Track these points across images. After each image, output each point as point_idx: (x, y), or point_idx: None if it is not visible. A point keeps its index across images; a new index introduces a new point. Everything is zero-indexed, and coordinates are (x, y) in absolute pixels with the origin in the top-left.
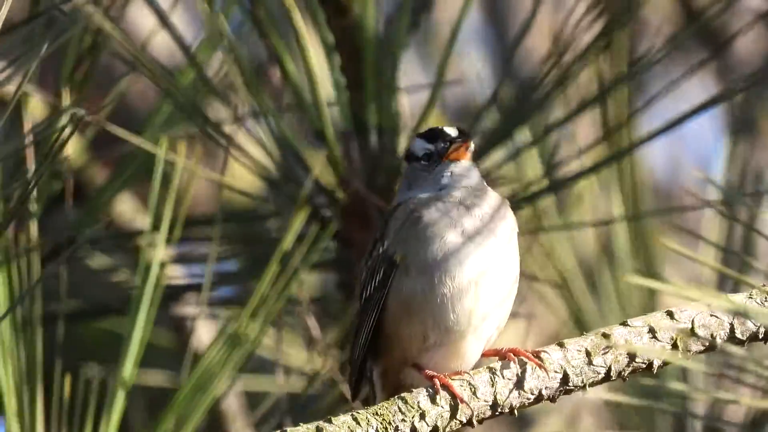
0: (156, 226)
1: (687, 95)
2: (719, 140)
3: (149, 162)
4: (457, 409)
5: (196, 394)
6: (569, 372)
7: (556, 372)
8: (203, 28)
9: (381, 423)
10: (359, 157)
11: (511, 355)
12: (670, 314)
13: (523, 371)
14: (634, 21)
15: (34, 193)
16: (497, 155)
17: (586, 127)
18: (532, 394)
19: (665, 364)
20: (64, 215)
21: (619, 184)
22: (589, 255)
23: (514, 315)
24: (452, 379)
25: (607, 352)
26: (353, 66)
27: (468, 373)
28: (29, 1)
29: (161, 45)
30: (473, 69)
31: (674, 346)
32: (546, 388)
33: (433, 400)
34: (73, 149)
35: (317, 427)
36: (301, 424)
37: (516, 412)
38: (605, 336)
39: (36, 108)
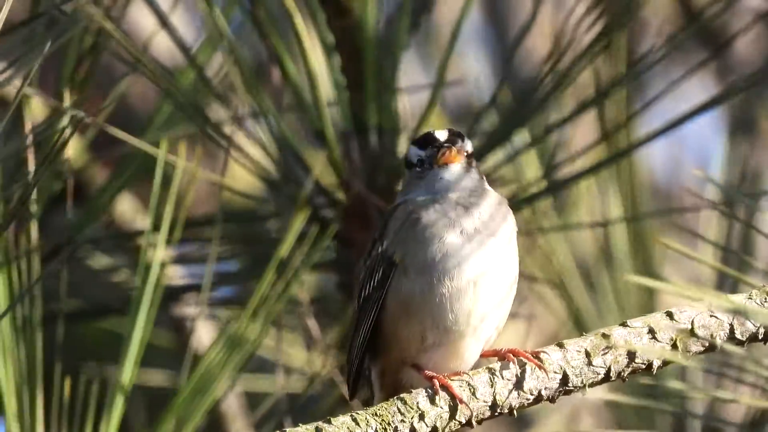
0: (156, 227)
1: (687, 95)
2: (719, 140)
3: (149, 162)
4: (457, 410)
5: (196, 396)
6: (569, 372)
7: (555, 372)
8: (203, 28)
9: (380, 423)
10: (359, 158)
11: (511, 355)
12: (670, 315)
13: (523, 372)
14: (634, 21)
15: (35, 194)
16: (497, 156)
17: (586, 128)
18: (532, 394)
19: (665, 364)
20: (65, 216)
21: (618, 185)
22: (589, 255)
23: (513, 315)
24: (451, 380)
25: (606, 353)
26: (353, 66)
27: (467, 374)
28: (30, 1)
29: (162, 45)
30: (473, 69)
31: (674, 346)
32: (545, 388)
33: (432, 401)
34: (73, 150)
35: (316, 428)
36: (300, 424)
37: (515, 412)
38: (605, 336)
39: (37, 108)
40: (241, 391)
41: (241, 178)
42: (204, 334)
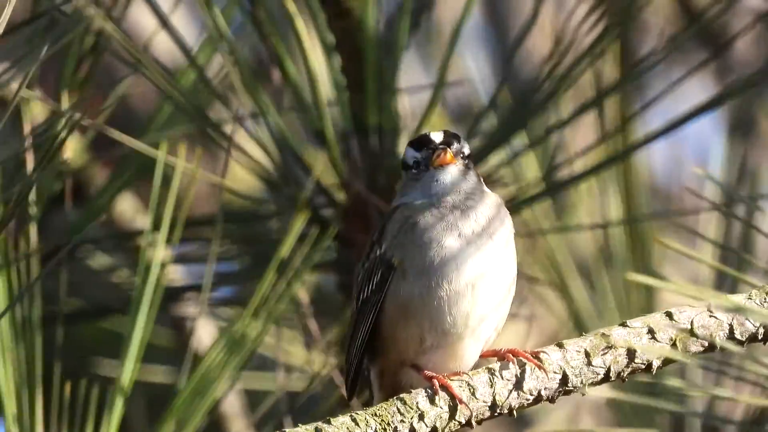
0: (156, 227)
1: (686, 95)
2: (719, 140)
3: (150, 162)
4: (456, 410)
5: (196, 398)
6: (568, 373)
7: (555, 373)
8: (203, 28)
9: (380, 424)
10: (360, 158)
11: (510, 355)
12: (670, 315)
13: (522, 372)
14: (635, 22)
15: (33, 194)
16: (497, 157)
17: (587, 128)
18: (531, 394)
19: (664, 364)
20: (64, 216)
21: (618, 186)
22: (588, 256)
23: (513, 316)
24: (451, 380)
25: (606, 353)
26: (354, 66)
27: (467, 374)
28: (31, 2)
29: (162, 45)
30: (474, 70)
31: (673, 346)
32: (545, 388)
33: (431, 401)
34: (72, 150)
35: (316, 428)
36: (300, 424)
37: (515, 412)
38: (604, 336)
39: (37, 109)
40: (241, 390)
41: (242, 179)
42: (204, 334)
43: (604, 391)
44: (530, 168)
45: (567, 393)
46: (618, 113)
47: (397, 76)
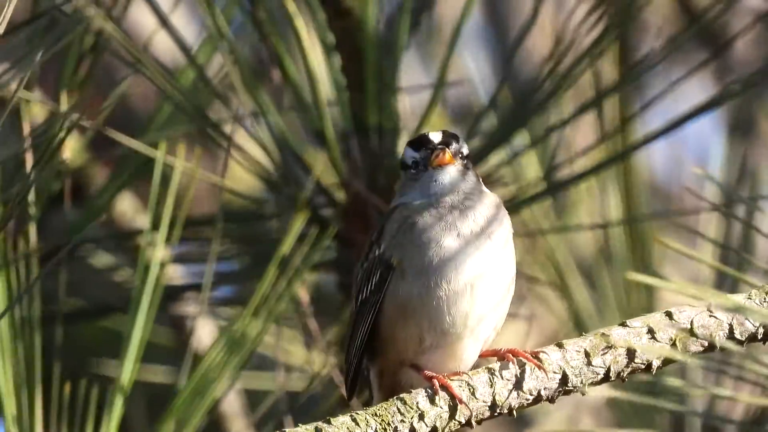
0: (156, 226)
1: (686, 95)
2: (719, 140)
3: (149, 162)
4: (456, 410)
5: (196, 397)
6: (568, 372)
7: (555, 372)
8: (204, 27)
9: (380, 424)
10: (360, 158)
11: (510, 355)
12: (669, 315)
13: (522, 372)
14: (635, 22)
15: (32, 195)
16: (497, 157)
17: (587, 128)
18: (531, 394)
19: (664, 364)
20: (64, 216)
21: (618, 186)
22: (588, 256)
23: (513, 316)
24: (451, 380)
25: (606, 353)
26: (354, 66)
27: (467, 374)
28: (31, 2)
29: (162, 45)
30: (474, 70)
31: (673, 346)
32: (545, 388)
33: (431, 401)
34: (72, 150)
35: (316, 428)
36: (300, 424)
37: (515, 412)
38: (604, 336)
39: (36, 109)
40: (241, 389)
41: (242, 179)
42: (204, 334)
43: (604, 391)
44: (530, 168)
45: (567, 393)
46: (618, 113)
47: (397, 76)
